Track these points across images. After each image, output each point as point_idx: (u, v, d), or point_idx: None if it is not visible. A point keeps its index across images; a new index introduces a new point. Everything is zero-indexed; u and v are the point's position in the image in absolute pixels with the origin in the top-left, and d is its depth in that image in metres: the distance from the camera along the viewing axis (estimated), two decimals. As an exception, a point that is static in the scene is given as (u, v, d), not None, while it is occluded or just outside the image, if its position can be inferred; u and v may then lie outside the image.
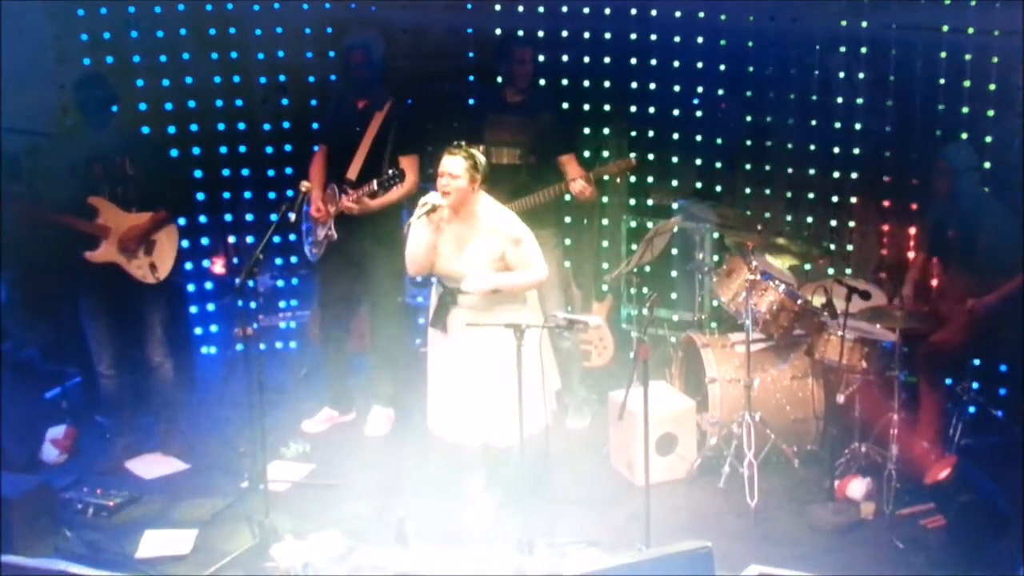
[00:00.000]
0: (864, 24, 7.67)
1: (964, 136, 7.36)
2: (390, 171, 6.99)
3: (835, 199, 8.05)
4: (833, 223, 8.07)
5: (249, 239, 8.70)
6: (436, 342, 6.34)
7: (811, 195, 8.13)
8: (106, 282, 6.99)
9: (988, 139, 7.35)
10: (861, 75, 7.77)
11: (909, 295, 6.96)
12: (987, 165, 7.19)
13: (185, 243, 8.44)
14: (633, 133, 8.50)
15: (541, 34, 8.49)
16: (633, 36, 8.36)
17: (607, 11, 8.38)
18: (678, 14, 8.21)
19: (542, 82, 8.11)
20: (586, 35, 8.51)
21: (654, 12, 8.26)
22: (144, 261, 6.99)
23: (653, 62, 8.36)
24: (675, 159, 8.50)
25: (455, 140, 6.15)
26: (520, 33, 8.18)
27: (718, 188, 8.42)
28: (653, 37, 8.32)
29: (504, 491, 6.39)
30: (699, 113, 8.30)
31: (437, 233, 6.13)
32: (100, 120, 6.93)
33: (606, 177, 7.68)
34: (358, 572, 5.90)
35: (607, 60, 8.47)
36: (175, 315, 7.51)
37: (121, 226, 6.93)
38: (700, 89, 8.25)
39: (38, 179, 7.33)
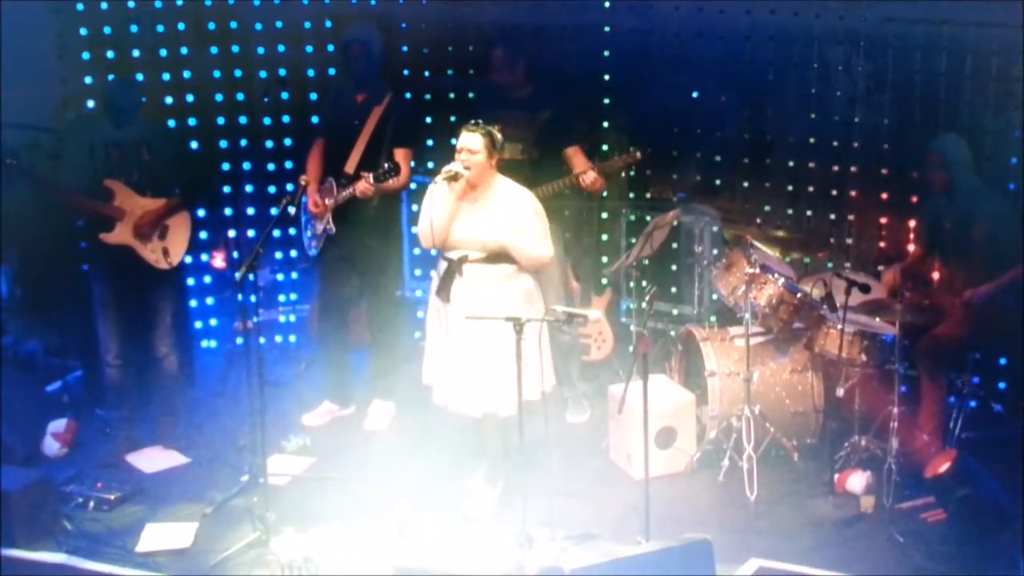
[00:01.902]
0: (863, 18, 7.68)
1: (962, 128, 7.35)
2: (386, 164, 7.01)
3: (834, 192, 8.04)
4: (832, 216, 8.07)
5: (249, 233, 8.70)
6: (436, 312, 6.41)
7: (810, 188, 8.13)
8: (119, 267, 7.07)
9: (987, 132, 7.34)
10: (860, 68, 7.77)
11: (894, 281, 6.95)
12: (986, 158, 7.18)
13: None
14: (633, 127, 8.49)
15: (541, 29, 8.46)
16: (633, 29, 8.34)
17: (607, 4, 8.37)
18: (678, 8, 8.20)
19: (543, 77, 8.08)
20: (586, 29, 8.49)
21: (653, 6, 8.25)
22: (157, 245, 7.07)
23: (653, 55, 8.35)
24: (675, 153, 8.49)
25: (455, 135, 6.28)
26: (502, 39, 7.98)
27: (717, 181, 8.41)
28: (653, 30, 8.31)
29: (506, 482, 6.41)
30: (699, 107, 8.29)
31: (458, 203, 6.24)
32: (125, 120, 7.03)
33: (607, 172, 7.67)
34: (359, 565, 5.91)
35: (607, 54, 8.46)
36: (182, 306, 7.54)
37: (136, 210, 7.02)
38: (700, 83, 8.24)
39: (56, 162, 7.37)
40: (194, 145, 8.23)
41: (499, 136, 6.29)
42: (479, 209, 6.27)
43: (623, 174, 8.42)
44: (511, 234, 6.20)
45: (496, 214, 6.23)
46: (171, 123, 8.35)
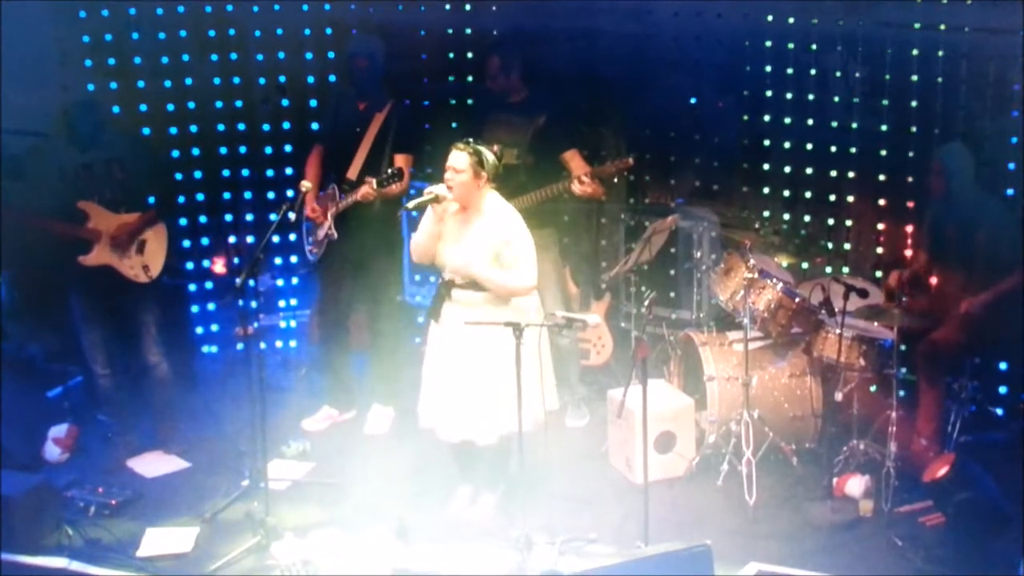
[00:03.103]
0: (861, 23, 7.70)
1: (960, 134, 7.36)
2: (388, 170, 7.03)
3: (832, 198, 8.05)
4: (831, 222, 8.08)
5: (249, 239, 8.73)
6: (433, 335, 6.35)
7: (808, 194, 8.14)
8: (99, 284, 7.04)
9: (985, 137, 7.36)
10: (858, 74, 7.79)
11: (897, 283, 6.96)
12: (984, 163, 7.19)
13: (186, 243, 8.54)
14: (631, 132, 8.50)
15: (538, 32, 8.48)
16: (631, 34, 8.36)
17: (604, 9, 8.39)
18: (676, 13, 8.22)
19: (540, 81, 8.10)
20: (584, 33, 8.50)
21: (651, 10, 8.27)
22: (136, 261, 7.05)
23: (651, 60, 8.36)
24: (673, 158, 8.51)
25: (454, 140, 6.19)
26: (498, 45, 7.96)
27: (716, 187, 8.43)
28: (650, 35, 8.32)
29: (505, 489, 6.41)
30: (697, 112, 8.31)
31: (441, 224, 6.17)
32: (89, 143, 6.98)
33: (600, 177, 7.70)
34: (358, 569, 5.92)
35: (605, 58, 8.47)
36: (170, 315, 7.54)
37: (111, 227, 7.00)
38: (698, 88, 8.26)
39: (29, 184, 7.36)
40: (196, 152, 8.28)
41: (490, 156, 6.08)
42: (466, 233, 6.12)
43: (619, 179, 8.43)
44: (486, 266, 6.02)
45: (479, 241, 6.07)
46: (172, 130, 8.39)
